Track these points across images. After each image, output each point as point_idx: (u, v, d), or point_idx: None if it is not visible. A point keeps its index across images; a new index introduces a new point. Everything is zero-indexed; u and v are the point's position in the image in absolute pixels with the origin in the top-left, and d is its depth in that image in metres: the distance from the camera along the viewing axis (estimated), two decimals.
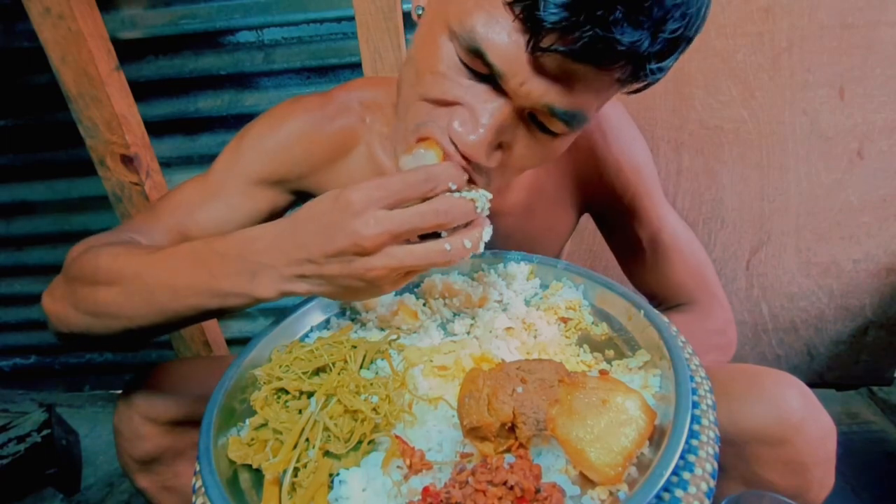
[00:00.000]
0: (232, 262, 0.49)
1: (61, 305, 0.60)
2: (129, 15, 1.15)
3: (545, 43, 0.43)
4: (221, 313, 0.53)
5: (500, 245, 0.78)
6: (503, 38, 0.45)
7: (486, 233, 0.50)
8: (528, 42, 0.44)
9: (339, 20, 1.15)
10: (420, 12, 0.56)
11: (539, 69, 0.46)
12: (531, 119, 0.51)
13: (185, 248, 0.54)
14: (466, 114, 0.49)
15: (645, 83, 0.49)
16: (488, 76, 0.48)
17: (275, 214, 0.72)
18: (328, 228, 0.45)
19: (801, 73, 1.06)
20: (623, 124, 0.74)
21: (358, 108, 0.71)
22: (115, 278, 0.55)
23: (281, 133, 0.69)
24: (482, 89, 0.49)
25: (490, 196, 0.50)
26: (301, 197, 0.75)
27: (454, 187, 0.47)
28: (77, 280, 0.59)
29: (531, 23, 0.43)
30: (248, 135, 0.70)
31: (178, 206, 0.68)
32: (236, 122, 1.26)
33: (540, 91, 0.47)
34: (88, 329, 0.58)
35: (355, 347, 0.54)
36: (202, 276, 0.51)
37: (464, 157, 0.50)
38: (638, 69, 0.46)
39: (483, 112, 0.49)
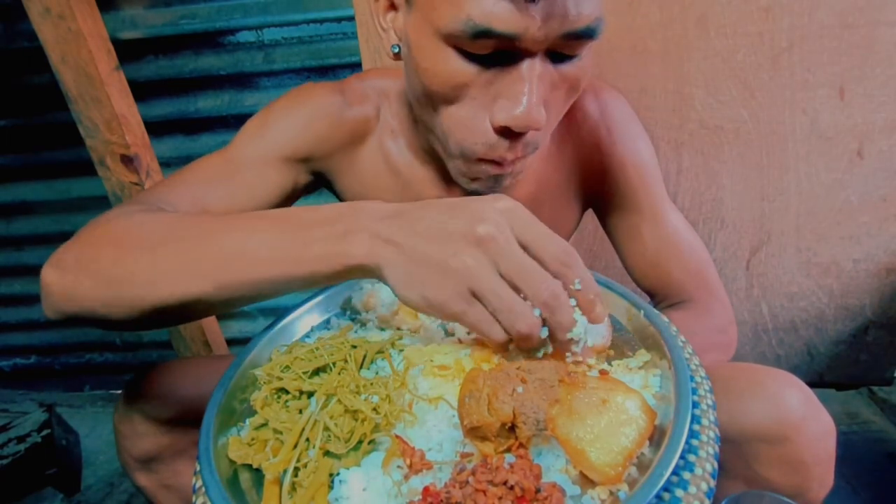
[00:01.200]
0: (318, 227, 0.46)
1: (72, 276, 0.50)
2: (129, 15, 1.15)
3: None
4: (304, 285, 0.47)
5: None
6: (497, 3, 0.46)
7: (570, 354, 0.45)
8: None
9: (339, 20, 1.15)
10: (396, 50, 0.59)
11: (544, 9, 0.47)
12: (552, 57, 0.52)
13: (256, 215, 0.49)
14: (502, 100, 0.51)
15: None
16: (500, 53, 0.50)
17: (296, 193, 0.72)
18: (452, 208, 0.43)
19: (801, 73, 1.06)
20: (628, 120, 0.74)
21: (374, 97, 0.71)
22: (161, 240, 0.48)
23: (309, 109, 0.69)
24: (501, 69, 0.51)
25: (584, 338, 0.45)
26: (320, 180, 0.75)
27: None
28: (100, 243, 0.51)
29: None
30: (272, 111, 0.69)
31: (199, 181, 0.65)
32: (236, 122, 1.26)
33: (555, 26, 0.48)
34: (104, 304, 0.49)
35: (355, 347, 0.54)
36: (286, 242, 0.46)
37: (520, 136, 0.53)
38: None
39: (516, 84, 0.51)
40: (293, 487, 0.43)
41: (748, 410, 0.53)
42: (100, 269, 0.49)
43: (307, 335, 0.61)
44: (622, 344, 0.54)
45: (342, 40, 1.17)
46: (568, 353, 0.45)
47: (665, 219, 0.75)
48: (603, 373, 0.48)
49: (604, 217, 0.80)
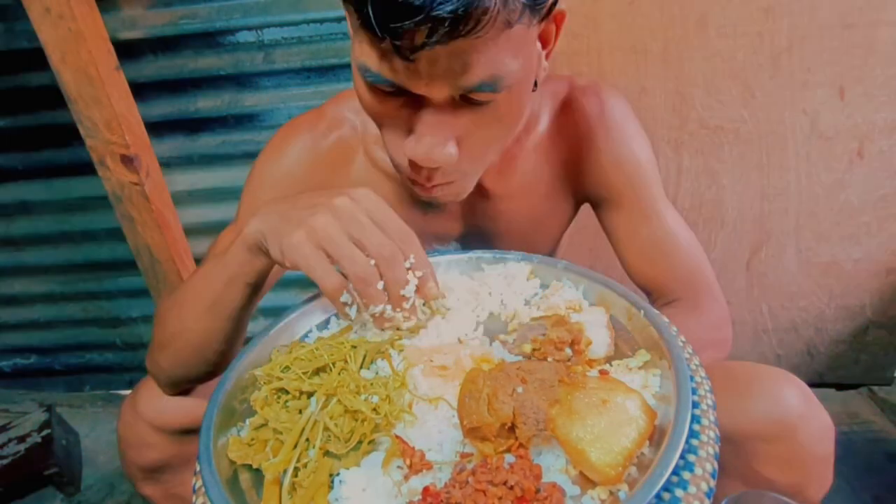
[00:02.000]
0: (236, 244, 0.56)
1: (149, 360, 0.67)
2: (129, 15, 1.15)
3: (407, 46, 0.44)
4: (251, 285, 0.57)
5: (504, 229, 0.80)
6: (382, 57, 0.48)
7: (405, 317, 0.53)
8: (398, 53, 0.46)
9: (339, 20, 1.15)
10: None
11: (428, 68, 0.47)
12: (464, 104, 0.52)
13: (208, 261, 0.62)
14: (412, 135, 0.54)
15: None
16: (405, 92, 0.51)
17: None
18: (324, 192, 0.53)
19: (801, 73, 1.06)
20: (626, 119, 0.75)
21: (351, 117, 0.74)
22: (167, 310, 0.63)
23: (281, 162, 0.74)
24: (411, 108, 0.53)
25: (414, 297, 0.53)
26: None
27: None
28: (153, 337, 0.66)
29: (384, 35, 0.44)
30: (254, 172, 0.75)
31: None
32: (236, 122, 1.26)
33: (441, 84, 0.48)
34: (171, 368, 0.64)
35: (355, 347, 0.54)
36: (211, 263, 0.59)
37: (427, 168, 0.56)
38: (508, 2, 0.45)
39: (417, 125, 0.53)
40: (293, 487, 0.43)
41: (747, 409, 0.53)
42: (154, 350, 0.66)
43: (307, 335, 0.61)
44: (622, 344, 0.54)
45: (342, 40, 1.17)
46: (399, 312, 0.52)
47: (661, 217, 0.75)
48: (603, 373, 0.48)
49: (600, 214, 0.80)
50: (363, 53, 0.49)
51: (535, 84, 0.59)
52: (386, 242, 0.49)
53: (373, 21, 0.43)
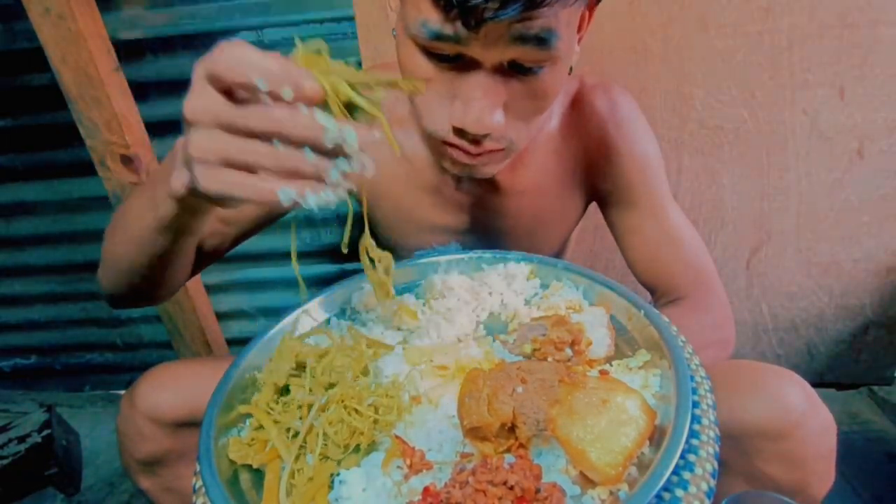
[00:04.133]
0: (164, 173, 0.48)
1: (100, 271, 0.66)
2: (129, 15, 1.15)
3: (478, 16, 0.46)
4: (174, 230, 0.52)
5: (513, 224, 0.80)
6: (445, 19, 0.49)
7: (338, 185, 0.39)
8: (465, 24, 0.47)
9: (339, 20, 1.15)
10: (394, 33, 0.61)
11: (490, 34, 0.48)
12: (513, 67, 0.54)
13: (147, 182, 0.58)
14: (458, 102, 0.55)
15: None
16: (459, 57, 0.52)
17: None
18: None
19: (801, 73, 1.06)
20: (634, 117, 0.76)
21: None
22: (110, 229, 0.63)
23: None
24: (460, 73, 0.54)
25: (355, 135, 0.39)
26: None
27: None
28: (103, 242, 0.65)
29: (453, 7, 0.46)
30: None
31: None
32: None
33: (501, 49, 0.50)
34: (114, 285, 0.64)
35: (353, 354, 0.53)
36: (150, 191, 0.53)
37: (476, 137, 0.56)
38: None
39: (467, 90, 0.53)
40: (293, 488, 0.43)
41: (749, 407, 0.53)
42: (101, 262, 0.65)
43: (307, 335, 0.61)
44: (622, 344, 0.55)
45: (342, 40, 1.17)
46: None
47: (666, 215, 0.76)
48: (603, 373, 0.48)
49: (606, 211, 0.81)
50: (423, 11, 0.50)
51: (570, 69, 0.61)
52: (269, 112, 0.37)
53: None
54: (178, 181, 0.43)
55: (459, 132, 0.57)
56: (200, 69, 0.38)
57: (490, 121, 0.54)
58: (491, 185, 0.76)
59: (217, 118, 0.38)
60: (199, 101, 0.38)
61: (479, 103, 0.53)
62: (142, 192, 0.58)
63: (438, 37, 0.50)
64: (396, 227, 0.83)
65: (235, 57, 0.37)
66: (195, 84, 0.39)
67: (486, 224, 0.80)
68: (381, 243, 0.61)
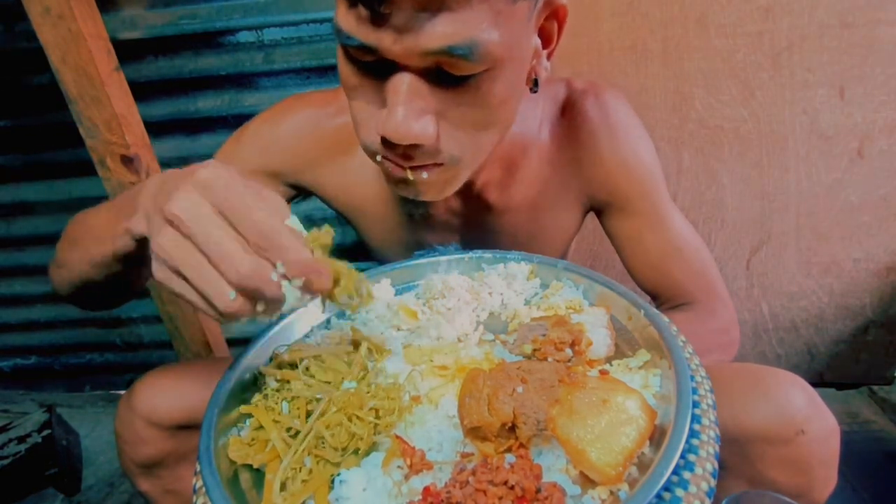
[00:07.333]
0: (131, 204, 0.47)
1: (52, 266, 0.65)
2: (129, 15, 1.15)
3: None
4: (131, 262, 0.51)
5: (507, 242, 0.79)
6: (357, 17, 0.47)
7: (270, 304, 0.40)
8: (368, 9, 0.45)
9: None
10: None
11: (400, 25, 0.46)
12: (442, 78, 0.50)
13: (119, 196, 0.56)
14: (385, 110, 0.50)
15: None
16: (382, 63, 0.49)
17: None
18: (169, 180, 0.43)
19: (801, 73, 1.06)
20: (630, 122, 0.73)
21: None
22: (71, 236, 0.61)
23: (279, 128, 0.72)
24: (384, 80, 0.50)
25: (298, 296, 0.41)
26: (300, 191, 0.77)
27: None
28: (60, 241, 0.64)
29: None
30: (248, 128, 0.73)
31: None
32: (236, 122, 1.26)
33: (410, 43, 0.46)
34: (65, 289, 0.63)
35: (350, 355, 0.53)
36: (115, 219, 0.50)
37: (403, 146, 0.51)
38: None
39: (390, 95, 0.50)
40: (293, 487, 0.43)
41: (752, 411, 0.52)
42: (55, 261, 0.64)
43: (307, 335, 0.61)
44: (622, 344, 0.54)
45: None
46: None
47: (667, 222, 0.74)
48: (603, 373, 0.48)
49: (605, 220, 0.78)
50: (340, 17, 0.48)
51: (536, 84, 0.58)
52: (243, 263, 0.38)
53: None
54: (138, 227, 0.45)
55: (389, 144, 0.52)
56: (201, 177, 0.41)
57: (414, 128, 0.49)
58: (482, 203, 0.74)
59: (192, 234, 0.39)
60: (188, 207, 0.39)
61: (401, 109, 0.49)
62: (107, 211, 0.57)
63: (349, 38, 0.48)
64: (387, 249, 0.82)
65: (256, 218, 0.39)
66: (192, 187, 0.40)
67: (479, 244, 0.77)
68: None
